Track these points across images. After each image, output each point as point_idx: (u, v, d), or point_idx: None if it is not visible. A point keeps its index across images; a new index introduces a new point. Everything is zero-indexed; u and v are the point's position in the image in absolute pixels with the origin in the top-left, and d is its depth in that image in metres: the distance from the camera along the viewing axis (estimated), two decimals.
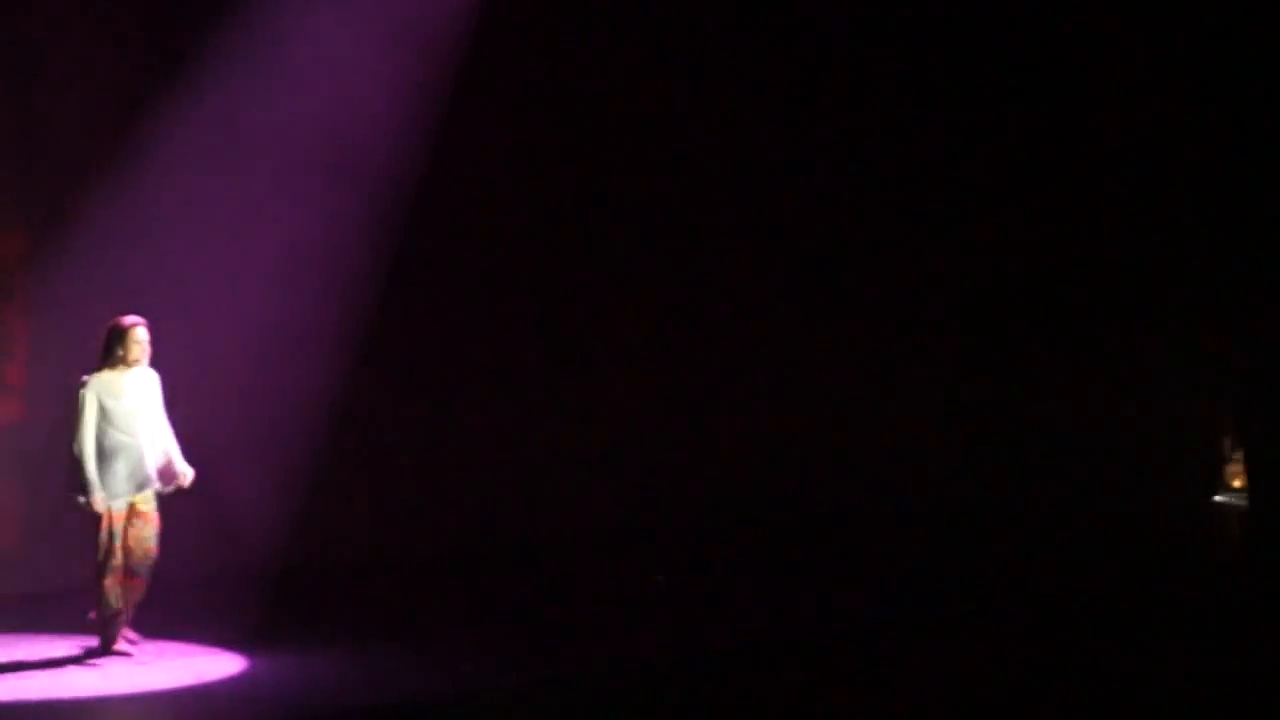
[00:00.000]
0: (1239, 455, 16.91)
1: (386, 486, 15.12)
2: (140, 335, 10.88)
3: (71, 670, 10.55)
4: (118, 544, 10.73)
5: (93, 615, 10.85)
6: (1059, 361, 17.38)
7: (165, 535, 10.95)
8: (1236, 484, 17.07)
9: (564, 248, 16.15)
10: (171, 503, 11.07)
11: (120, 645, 10.78)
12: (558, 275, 16.10)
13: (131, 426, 10.79)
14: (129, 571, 10.80)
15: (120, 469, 10.73)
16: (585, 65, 16.11)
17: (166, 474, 10.95)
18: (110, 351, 10.85)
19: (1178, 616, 12.31)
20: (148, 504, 10.88)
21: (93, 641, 10.92)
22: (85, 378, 10.85)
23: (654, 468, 16.40)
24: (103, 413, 10.73)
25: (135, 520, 10.82)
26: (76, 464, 10.72)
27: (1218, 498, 17.24)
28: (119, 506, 10.76)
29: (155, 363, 11.05)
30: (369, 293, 14.83)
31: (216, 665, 10.84)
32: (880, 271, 17.40)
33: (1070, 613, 12.45)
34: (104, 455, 10.72)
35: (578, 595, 13.68)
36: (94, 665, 10.64)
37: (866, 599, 13.23)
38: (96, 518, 10.73)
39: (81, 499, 10.73)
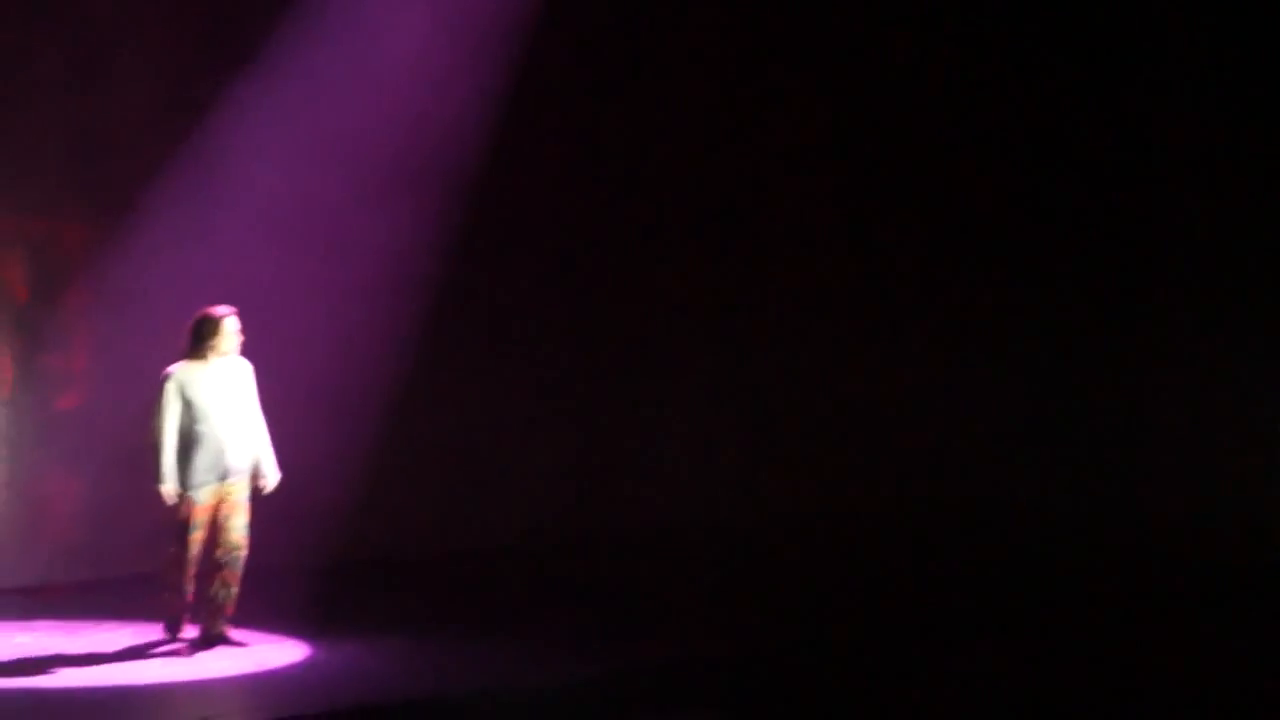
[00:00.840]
0: None
1: (448, 479, 15.12)
2: (230, 325, 10.75)
3: (133, 658, 10.54)
4: (194, 535, 10.62)
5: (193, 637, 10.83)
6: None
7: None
8: None
9: (622, 248, 16.11)
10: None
11: (183, 636, 10.73)
12: (616, 274, 16.07)
13: (213, 417, 10.65)
14: (216, 564, 10.72)
15: (200, 460, 10.59)
16: (648, 67, 16.09)
17: (252, 472, 10.88)
18: (199, 342, 10.70)
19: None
20: (239, 493, 10.78)
21: (157, 630, 10.93)
22: (169, 369, 10.70)
23: (710, 466, 16.36)
24: (185, 404, 10.59)
25: (223, 509, 10.72)
26: (155, 453, 10.62)
27: None
28: (201, 498, 10.65)
29: None
30: (429, 288, 14.84)
31: (279, 653, 10.84)
32: (947, 278, 17.23)
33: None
34: (185, 446, 10.60)
35: (638, 590, 13.65)
36: (158, 654, 10.63)
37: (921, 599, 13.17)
38: (174, 508, 10.64)
39: (160, 487, 10.62)
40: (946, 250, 17.24)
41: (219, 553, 10.70)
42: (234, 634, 10.82)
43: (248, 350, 10.83)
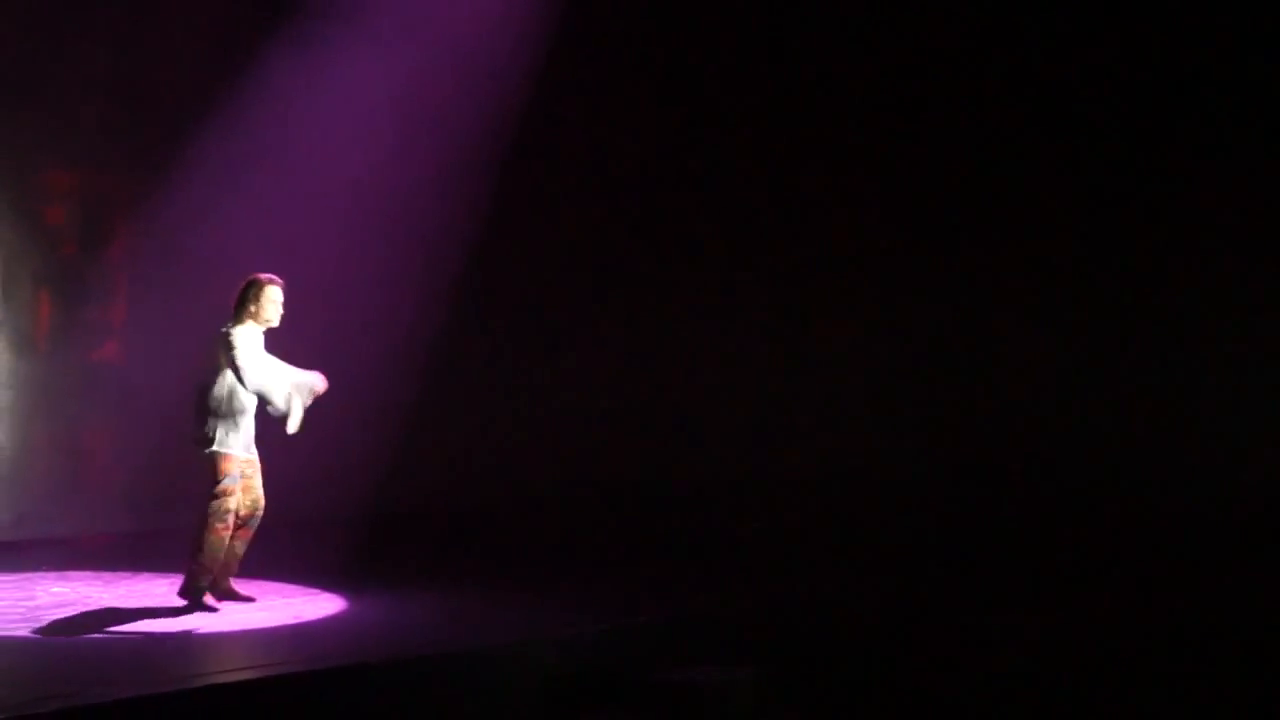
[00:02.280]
0: None
1: (484, 434, 15.15)
2: (275, 294, 10.54)
3: (169, 609, 10.55)
4: (235, 498, 10.50)
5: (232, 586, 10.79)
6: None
7: (267, 480, 10.90)
8: None
9: (657, 205, 16.08)
10: (273, 448, 11.03)
11: (208, 600, 10.60)
12: (655, 229, 16.04)
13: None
14: (241, 523, 10.70)
15: (245, 425, 10.49)
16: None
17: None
18: (244, 307, 10.50)
19: None
20: (255, 456, 10.66)
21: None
22: (232, 332, 10.40)
23: (750, 423, 16.33)
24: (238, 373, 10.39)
25: (244, 473, 10.64)
26: (261, 395, 10.38)
27: None
28: (241, 464, 10.55)
29: None
30: (469, 244, 14.84)
31: (315, 606, 10.87)
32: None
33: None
34: (235, 408, 10.44)
35: (671, 544, 13.66)
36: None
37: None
38: (218, 465, 10.45)
39: (279, 409, 10.40)
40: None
41: (243, 513, 10.68)
42: (242, 589, 10.83)
43: (291, 302, 10.73)
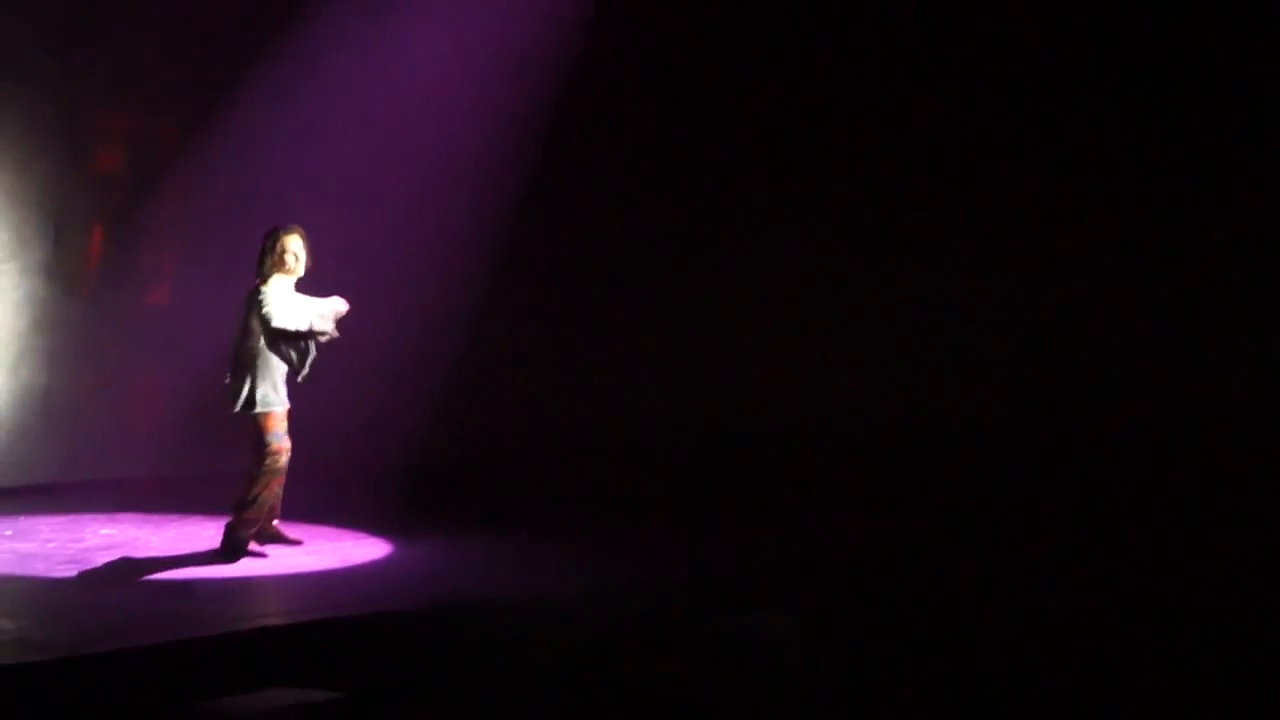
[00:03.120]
0: None
1: (535, 382, 15.16)
2: (295, 243, 10.46)
3: (214, 552, 10.58)
4: (283, 448, 10.49)
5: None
6: None
7: (319, 428, 10.91)
8: None
9: (707, 160, 16.01)
10: (323, 399, 11.04)
11: (254, 547, 10.61)
12: (697, 184, 15.98)
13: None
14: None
15: (282, 379, 10.47)
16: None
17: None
18: (265, 259, 10.46)
19: None
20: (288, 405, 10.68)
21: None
22: (263, 286, 10.39)
23: (791, 373, 16.26)
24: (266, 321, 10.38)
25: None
26: (295, 337, 10.38)
27: None
28: (282, 415, 10.53)
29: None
30: (513, 201, 14.84)
31: (362, 550, 10.89)
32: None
33: None
34: (269, 362, 10.42)
35: (718, 494, 13.65)
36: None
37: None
38: (263, 424, 10.43)
39: (321, 335, 10.40)
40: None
41: None
42: (288, 531, 10.85)
43: (332, 251, 10.70)
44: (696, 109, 15.97)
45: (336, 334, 10.59)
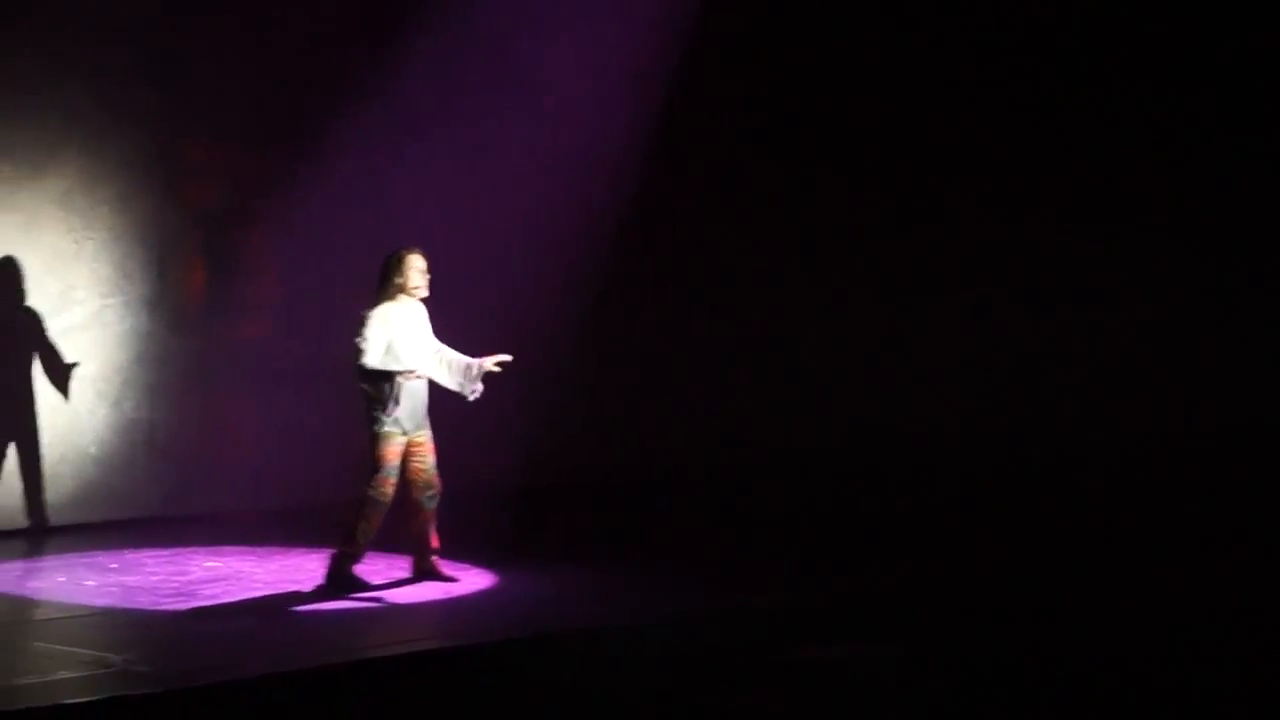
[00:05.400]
0: None
1: (630, 410, 15.13)
2: (419, 263, 10.45)
3: (319, 585, 10.58)
4: (389, 479, 10.40)
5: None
6: None
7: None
8: None
9: (829, 165, 15.94)
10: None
11: (357, 577, 10.55)
12: (814, 192, 15.92)
13: (414, 362, 10.43)
14: (417, 506, 10.63)
15: (403, 406, 10.35)
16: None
17: (470, 377, 10.63)
18: (388, 281, 10.44)
19: None
20: (424, 434, 10.59)
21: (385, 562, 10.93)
22: (367, 312, 10.36)
23: (894, 399, 16.14)
24: (388, 347, 10.32)
25: (414, 452, 10.52)
26: (375, 378, 10.30)
27: None
28: (398, 443, 10.43)
29: None
30: (616, 225, 14.81)
31: (466, 581, 10.86)
32: None
33: None
34: (390, 387, 10.32)
35: (810, 520, 13.58)
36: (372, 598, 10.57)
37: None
38: (376, 449, 10.40)
39: (378, 416, 10.33)
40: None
41: (417, 494, 10.64)
42: (445, 568, 10.81)
43: (439, 280, 10.69)
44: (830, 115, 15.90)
45: (477, 389, 10.62)
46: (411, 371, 10.34)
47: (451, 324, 11.00)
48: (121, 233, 13.01)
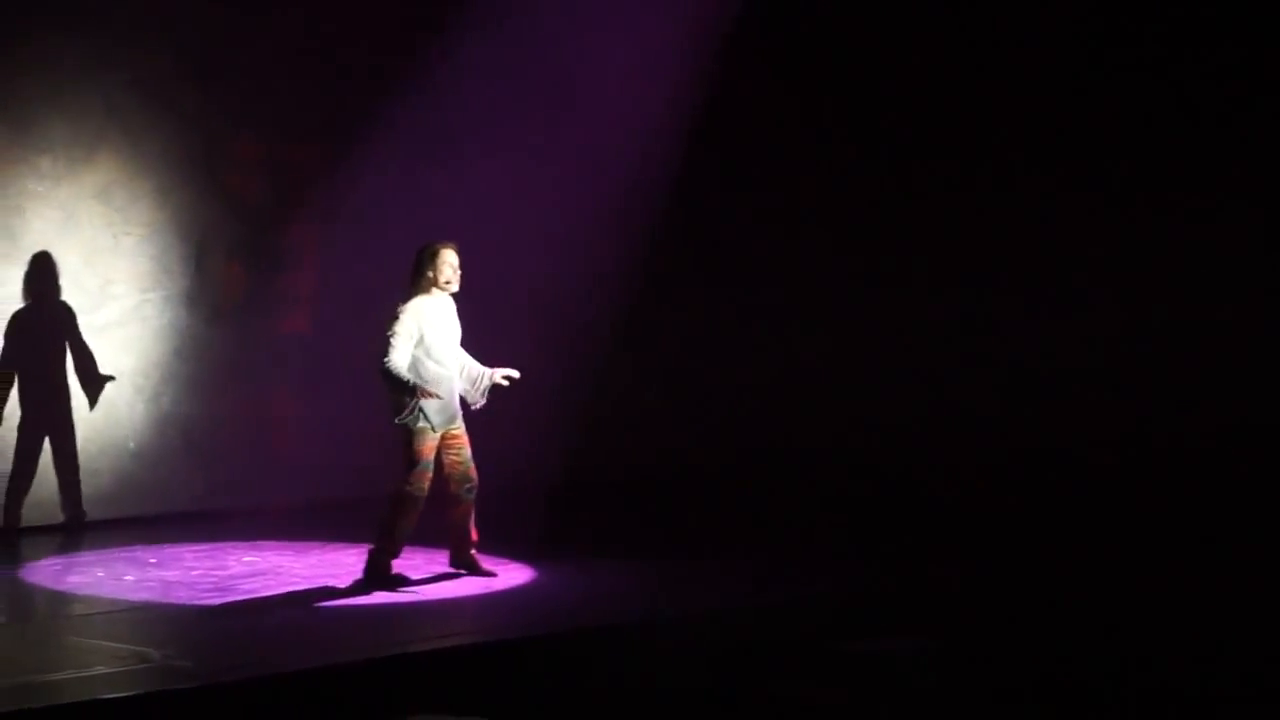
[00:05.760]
0: None
1: (670, 403, 15.10)
2: (451, 258, 10.43)
3: (357, 581, 10.56)
4: (424, 474, 10.38)
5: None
6: None
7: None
8: None
9: (866, 163, 15.88)
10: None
11: (394, 574, 10.56)
12: (854, 190, 15.86)
13: (446, 357, 10.44)
14: (455, 499, 10.60)
15: (434, 401, 10.30)
16: None
17: (477, 388, 10.65)
18: (420, 274, 10.42)
19: None
20: (458, 427, 10.56)
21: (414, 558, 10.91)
22: (401, 305, 10.37)
23: (934, 392, 16.06)
24: (420, 341, 10.32)
25: (450, 446, 10.51)
26: (394, 384, 10.25)
27: None
28: (431, 438, 10.40)
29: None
30: (655, 221, 14.79)
31: (504, 576, 10.83)
32: None
33: None
34: (423, 380, 10.27)
35: (861, 513, 13.55)
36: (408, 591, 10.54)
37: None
38: (410, 444, 10.37)
39: (405, 416, 10.31)
40: None
41: (454, 488, 10.62)
42: (484, 563, 10.79)
43: (476, 277, 10.67)
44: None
45: (481, 402, 10.66)
46: (433, 394, 10.29)
47: (488, 321, 10.99)
48: (160, 227, 13.02)
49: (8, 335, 12.26)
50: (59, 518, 12.48)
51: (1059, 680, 9.33)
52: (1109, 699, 9.11)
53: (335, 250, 13.63)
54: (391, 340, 10.29)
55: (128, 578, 10.70)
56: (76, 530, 12.43)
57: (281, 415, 13.67)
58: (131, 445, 12.92)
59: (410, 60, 13.72)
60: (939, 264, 16.07)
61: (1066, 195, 15.51)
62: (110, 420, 12.78)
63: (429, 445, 10.41)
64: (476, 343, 10.83)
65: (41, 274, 12.39)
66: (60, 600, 10.27)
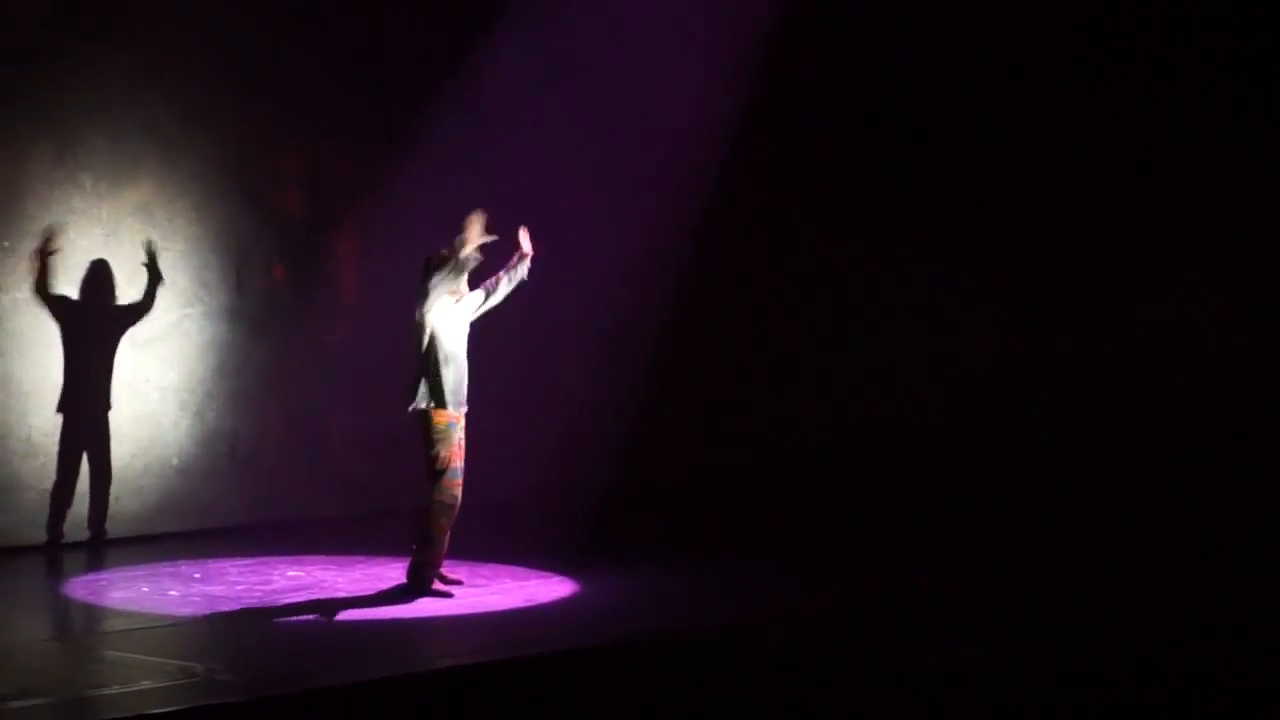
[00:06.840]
0: None
1: (717, 410, 15.11)
2: (482, 221, 10.48)
3: (404, 592, 10.55)
4: (460, 479, 10.41)
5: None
6: None
7: (498, 460, 10.82)
8: None
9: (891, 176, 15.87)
10: (501, 428, 10.97)
11: (439, 586, 10.56)
12: (903, 199, 15.86)
13: (461, 339, 10.50)
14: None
15: (450, 375, 10.36)
16: None
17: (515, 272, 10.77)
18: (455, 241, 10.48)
19: None
20: (461, 434, 10.53)
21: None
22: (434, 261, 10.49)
23: (982, 399, 16.02)
24: (435, 330, 10.40)
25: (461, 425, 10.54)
26: (425, 373, 10.36)
27: None
28: (457, 426, 10.44)
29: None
30: (698, 233, 14.79)
31: (548, 588, 10.82)
32: None
33: None
34: (439, 359, 10.34)
35: (910, 520, 13.49)
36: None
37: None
38: (436, 454, 10.39)
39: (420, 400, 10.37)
40: None
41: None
42: (450, 572, 10.78)
43: (523, 286, 10.72)
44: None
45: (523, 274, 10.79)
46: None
47: (528, 332, 10.99)
48: (200, 243, 13.04)
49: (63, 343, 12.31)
50: (105, 533, 12.49)
51: (1111, 690, 9.30)
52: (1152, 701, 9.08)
53: (375, 261, 13.64)
54: (429, 289, 10.37)
55: (173, 592, 10.71)
56: (123, 546, 12.40)
57: (325, 428, 13.69)
58: (175, 461, 12.95)
59: (447, 72, 13.75)
60: (987, 274, 16.06)
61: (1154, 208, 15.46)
62: (155, 437, 12.81)
63: (456, 449, 10.42)
64: (516, 353, 10.84)
65: (86, 291, 12.41)
66: (106, 615, 10.29)
